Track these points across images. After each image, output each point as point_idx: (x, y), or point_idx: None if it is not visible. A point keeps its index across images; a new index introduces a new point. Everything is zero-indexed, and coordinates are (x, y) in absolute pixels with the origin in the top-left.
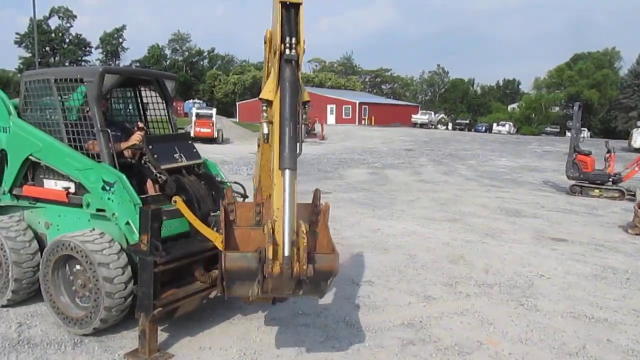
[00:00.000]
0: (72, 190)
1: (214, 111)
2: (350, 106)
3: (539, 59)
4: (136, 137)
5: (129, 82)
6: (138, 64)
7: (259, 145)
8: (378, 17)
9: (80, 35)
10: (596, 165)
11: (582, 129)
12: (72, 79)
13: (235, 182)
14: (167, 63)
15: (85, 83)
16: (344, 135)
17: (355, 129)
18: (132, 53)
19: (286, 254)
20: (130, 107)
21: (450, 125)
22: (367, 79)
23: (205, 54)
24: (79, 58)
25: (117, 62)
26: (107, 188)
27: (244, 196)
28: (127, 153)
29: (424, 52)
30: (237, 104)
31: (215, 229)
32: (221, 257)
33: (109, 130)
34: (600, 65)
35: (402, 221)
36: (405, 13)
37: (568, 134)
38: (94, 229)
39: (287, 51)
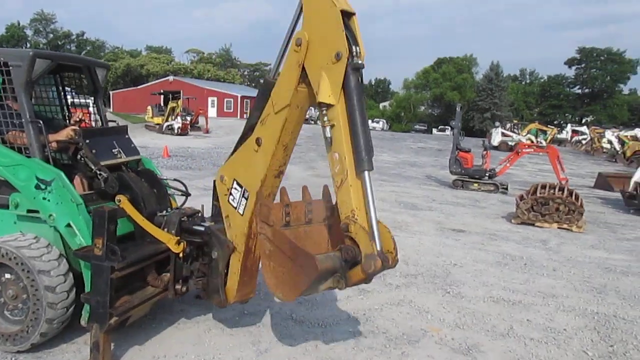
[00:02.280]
0: None
1: (90, 100)
2: (232, 99)
3: (407, 61)
4: (67, 132)
5: (54, 68)
6: None
7: (256, 150)
8: (256, 10)
9: None
10: (475, 162)
11: (445, 127)
12: None
13: (176, 180)
14: (28, 45)
15: (11, 67)
16: (228, 129)
17: (239, 122)
18: None
19: (378, 248)
20: (51, 95)
21: None
22: (245, 73)
23: (74, 37)
24: None
25: None
26: (43, 186)
27: (186, 194)
28: (52, 147)
29: None
30: (111, 93)
31: (165, 229)
32: (304, 259)
33: (41, 122)
34: (461, 69)
35: None
36: (283, 7)
37: (435, 131)
38: (22, 233)
39: (354, 59)
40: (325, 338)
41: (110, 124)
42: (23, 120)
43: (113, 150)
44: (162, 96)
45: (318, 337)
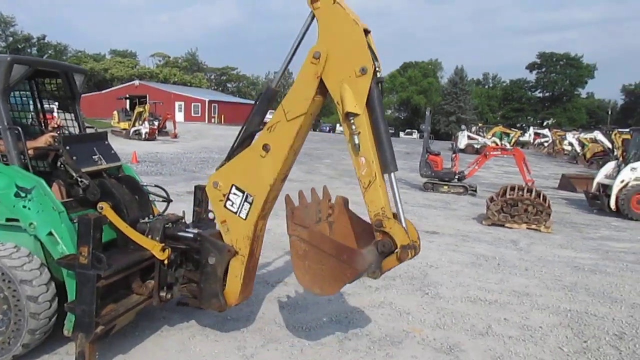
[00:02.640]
0: None
1: (55, 105)
2: (199, 104)
3: None
4: (46, 139)
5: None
6: None
7: (262, 156)
8: (221, 14)
9: None
10: (444, 165)
11: (412, 130)
12: None
13: (157, 186)
14: None
15: None
16: (196, 133)
17: (206, 127)
18: None
19: (408, 242)
20: (27, 102)
21: None
22: (212, 77)
23: (34, 40)
24: None
25: None
26: (23, 194)
27: (168, 200)
28: (29, 154)
29: (269, 52)
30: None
31: (150, 236)
32: (351, 255)
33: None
34: (426, 73)
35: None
36: (249, 13)
37: (402, 134)
38: (1, 242)
39: (377, 74)
40: (310, 341)
41: (88, 130)
42: (0, 127)
43: (93, 157)
44: (128, 101)
45: (303, 341)
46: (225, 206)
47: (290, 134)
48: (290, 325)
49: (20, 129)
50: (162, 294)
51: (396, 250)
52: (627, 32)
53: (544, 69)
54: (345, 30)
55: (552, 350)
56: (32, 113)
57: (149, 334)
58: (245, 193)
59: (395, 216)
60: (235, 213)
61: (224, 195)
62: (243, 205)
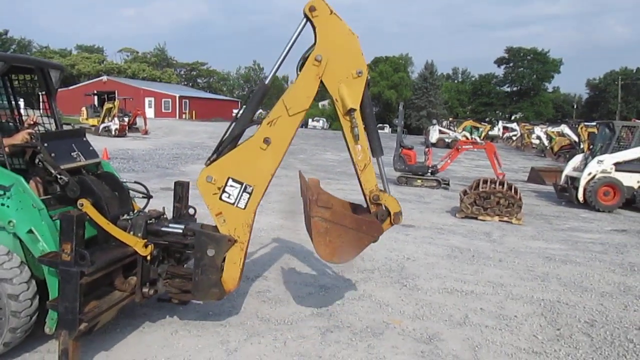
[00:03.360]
0: None
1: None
2: (170, 100)
3: None
4: (23, 136)
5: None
6: None
7: (264, 149)
8: (189, 9)
9: None
10: (417, 159)
11: (384, 125)
12: None
13: (137, 182)
14: None
15: None
16: (167, 129)
17: (178, 123)
18: None
19: (399, 209)
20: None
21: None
22: (182, 72)
23: None
24: None
25: None
26: (1, 192)
27: (148, 196)
28: (5, 151)
29: (239, 48)
30: (41, 94)
31: (131, 232)
32: (369, 226)
33: None
34: (397, 68)
35: (265, 215)
36: (218, 7)
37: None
38: None
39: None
40: (293, 334)
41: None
42: None
43: (72, 154)
44: (96, 97)
45: (285, 334)
46: (221, 198)
47: (291, 128)
48: (273, 319)
49: None
50: (145, 290)
51: (389, 217)
52: (592, 27)
53: (511, 64)
54: (343, 37)
55: (527, 338)
56: (7, 110)
57: (131, 330)
58: (244, 184)
59: (384, 191)
60: (233, 204)
61: (219, 189)
62: (242, 195)
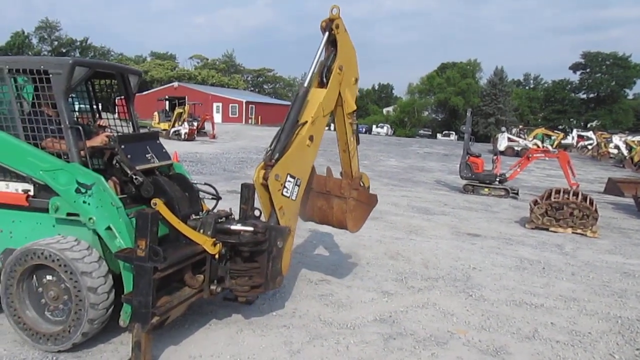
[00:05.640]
0: (32, 192)
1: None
2: (237, 105)
3: (410, 66)
4: (102, 138)
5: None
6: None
7: (309, 145)
8: (257, 16)
9: None
10: (485, 167)
11: (450, 132)
12: (32, 69)
13: (206, 184)
14: (32, 53)
15: (51, 75)
16: (234, 134)
17: (244, 128)
18: None
19: (369, 184)
20: (83, 102)
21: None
22: (249, 78)
23: (77, 44)
24: None
25: None
26: (83, 190)
27: (217, 198)
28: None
29: (305, 53)
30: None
31: (201, 231)
32: (374, 200)
33: (80, 128)
34: (465, 74)
35: None
36: (284, 14)
37: (439, 136)
38: (62, 235)
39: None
40: (355, 339)
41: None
42: (62, 126)
43: (147, 155)
44: (167, 102)
45: (348, 338)
46: (282, 194)
47: (324, 126)
48: (335, 322)
49: (81, 128)
50: (213, 287)
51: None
52: None
53: (588, 70)
54: (352, 50)
55: (603, 356)
56: (89, 113)
57: (198, 327)
58: (296, 178)
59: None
60: (289, 197)
61: (282, 185)
62: (294, 188)
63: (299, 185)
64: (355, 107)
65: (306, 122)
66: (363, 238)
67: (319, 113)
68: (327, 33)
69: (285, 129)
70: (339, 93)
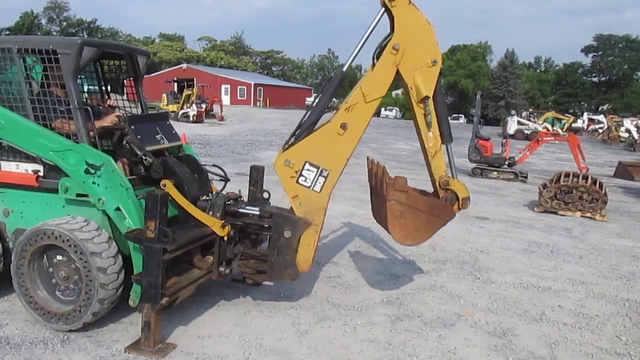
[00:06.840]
0: (41, 173)
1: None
2: (245, 87)
3: None
4: (112, 118)
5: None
6: (8, 32)
7: (340, 134)
8: None
9: None
10: (494, 150)
11: (459, 115)
12: (41, 49)
13: (215, 165)
14: (41, 33)
15: (59, 55)
16: (242, 116)
17: (252, 110)
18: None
19: (467, 194)
20: (91, 84)
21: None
22: (258, 60)
23: (86, 25)
24: None
25: None
26: (92, 171)
27: (226, 179)
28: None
29: (314, 36)
30: (127, 79)
31: (210, 213)
32: (442, 209)
33: (89, 109)
34: (475, 57)
35: (335, 203)
36: None
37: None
38: (72, 216)
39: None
40: (362, 320)
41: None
42: (71, 106)
43: (156, 136)
44: (176, 84)
45: (355, 320)
46: (297, 182)
47: (368, 114)
48: (343, 304)
49: (89, 108)
50: (222, 269)
51: (458, 202)
52: None
53: (600, 52)
54: (419, 27)
55: (610, 338)
56: (98, 94)
57: (207, 308)
58: (320, 168)
59: (452, 177)
60: (309, 187)
61: (296, 172)
62: (317, 179)
63: (325, 177)
64: (425, 93)
65: (338, 108)
66: (368, 220)
67: (357, 99)
68: (381, 10)
69: (310, 115)
70: (402, 78)
